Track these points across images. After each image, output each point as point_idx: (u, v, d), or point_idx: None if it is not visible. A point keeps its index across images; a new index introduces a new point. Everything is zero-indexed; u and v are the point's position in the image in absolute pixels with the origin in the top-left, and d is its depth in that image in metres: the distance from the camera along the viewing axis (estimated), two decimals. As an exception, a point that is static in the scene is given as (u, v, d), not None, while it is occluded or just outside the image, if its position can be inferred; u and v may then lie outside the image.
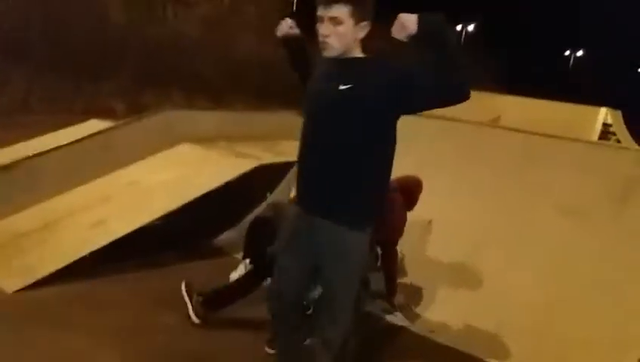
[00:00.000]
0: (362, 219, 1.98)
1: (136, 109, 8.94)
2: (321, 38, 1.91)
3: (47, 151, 3.85)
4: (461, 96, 1.78)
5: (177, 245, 3.86)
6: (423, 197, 3.20)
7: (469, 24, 27.53)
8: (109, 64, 11.05)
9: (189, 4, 13.41)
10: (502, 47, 25.36)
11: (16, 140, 4.89)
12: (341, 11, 1.86)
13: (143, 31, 11.94)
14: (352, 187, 1.93)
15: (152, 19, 12.38)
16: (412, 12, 1.83)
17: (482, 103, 7.52)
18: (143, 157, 4.18)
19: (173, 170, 3.99)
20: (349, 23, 1.87)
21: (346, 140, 1.88)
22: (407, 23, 1.78)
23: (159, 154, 4.25)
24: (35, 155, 3.80)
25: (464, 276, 3.38)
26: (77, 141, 3.97)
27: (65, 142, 3.98)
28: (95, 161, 4.00)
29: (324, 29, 1.89)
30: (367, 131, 1.87)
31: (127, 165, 4.10)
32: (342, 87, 1.88)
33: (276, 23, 2.23)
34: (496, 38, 25.14)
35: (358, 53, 1.95)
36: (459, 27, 26.89)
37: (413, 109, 1.92)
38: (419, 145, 3.90)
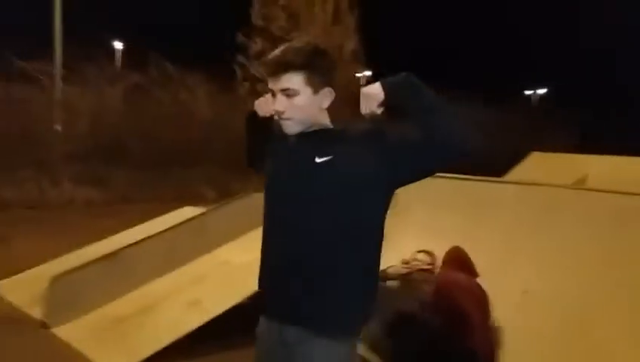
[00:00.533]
0: (351, 325, 1.59)
1: (225, 194, 9.51)
2: (276, 116, 1.62)
3: (147, 238, 4.17)
4: (458, 144, 1.50)
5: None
6: (512, 268, 3.05)
7: (540, 88, 27.12)
8: (197, 156, 11.95)
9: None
10: (579, 106, 24.61)
11: (118, 229, 5.33)
12: (294, 81, 1.56)
13: (226, 124, 12.89)
14: (336, 279, 1.54)
15: (234, 113, 13.36)
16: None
17: (564, 165, 7.27)
18: (233, 239, 4.41)
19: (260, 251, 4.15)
20: (306, 92, 1.57)
21: (328, 221, 1.53)
22: (372, 91, 1.56)
23: (248, 234, 4.46)
24: (135, 243, 4.13)
25: (569, 353, 3.14)
26: (173, 227, 4.28)
27: (162, 229, 4.30)
28: (190, 245, 4.28)
29: (277, 104, 1.58)
30: (352, 208, 1.53)
31: (220, 246, 4.34)
32: (318, 160, 1.55)
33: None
34: (571, 97, 24.50)
35: (327, 124, 1.64)
36: (529, 92, 26.54)
37: (410, 176, 1.58)
38: (498, 212, 3.80)
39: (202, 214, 4.59)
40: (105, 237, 5.15)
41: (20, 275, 4.78)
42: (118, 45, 18.01)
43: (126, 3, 19.70)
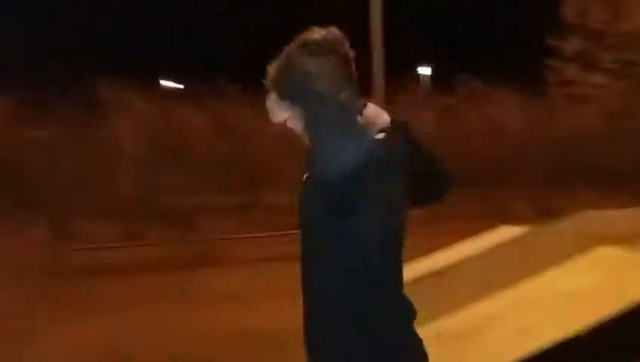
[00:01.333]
0: None
1: (543, 212, 8.98)
2: None
3: (470, 257, 4.24)
4: None
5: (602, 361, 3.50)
6: None
7: None
8: (508, 169, 11.62)
9: (587, 99, 13.01)
10: None
11: (432, 246, 5.57)
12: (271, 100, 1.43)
13: (540, 132, 12.19)
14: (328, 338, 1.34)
15: (549, 121, 12.51)
16: None
17: None
18: (560, 262, 4.11)
19: (595, 276, 3.76)
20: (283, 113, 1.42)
21: (308, 258, 1.40)
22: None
23: (578, 258, 4.09)
24: (460, 261, 4.25)
25: None
26: (496, 246, 4.25)
27: (483, 248, 4.32)
28: (512, 267, 4.16)
29: None
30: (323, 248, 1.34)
31: (545, 270, 4.09)
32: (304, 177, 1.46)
33: None
34: None
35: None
36: None
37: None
38: None
39: (527, 233, 4.42)
40: (425, 254, 5.44)
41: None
42: (425, 70, 19.11)
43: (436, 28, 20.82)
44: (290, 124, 1.41)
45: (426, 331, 4.15)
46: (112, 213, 9.49)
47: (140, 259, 8.16)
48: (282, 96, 1.38)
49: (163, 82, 15.48)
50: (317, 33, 1.36)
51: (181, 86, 14.47)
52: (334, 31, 1.37)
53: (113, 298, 6.66)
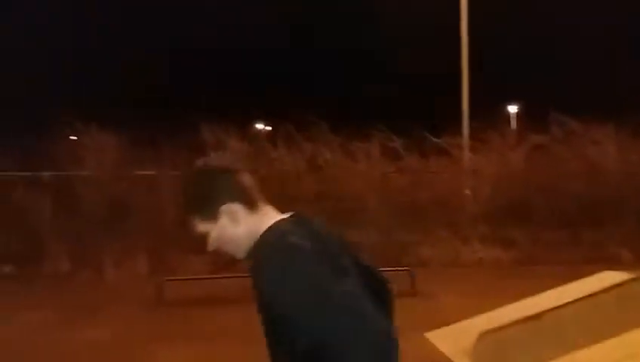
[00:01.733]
0: None
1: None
2: None
3: (570, 303, 4.01)
4: None
5: None
6: None
7: None
8: (608, 212, 10.96)
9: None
10: None
11: (527, 290, 5.30)
12: (195, 225, 1.58)
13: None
14: None
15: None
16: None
17: None
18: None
19: None
20: (209, 228, 1.57)
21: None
22: None
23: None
24: (559, 306, 4.02)
25: None
26: (598, 292, 3.99)
27: (584, 294, 4.06)
28: (617, 314, 3.88)
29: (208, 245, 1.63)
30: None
31: (652, 320, 3.78)
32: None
33: None
34: None
35: (261, 231, 1.57)
36: None
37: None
38: None
39: (632, 280, 4.11)
40: (518, 298, 5.20)
41: (448, 327, 5.29)
42: (513, 109, 18.64)
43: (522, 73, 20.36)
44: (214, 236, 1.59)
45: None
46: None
47: (229, 290, 8.43)
48: (201, 216, 1.57)
49: (258, 125, 16.36)
50: (211, 159, 1.68)
51: (270, 128, 15.13)
52: (227, 155, 1.62)
53: (203, 328, 6.91)
